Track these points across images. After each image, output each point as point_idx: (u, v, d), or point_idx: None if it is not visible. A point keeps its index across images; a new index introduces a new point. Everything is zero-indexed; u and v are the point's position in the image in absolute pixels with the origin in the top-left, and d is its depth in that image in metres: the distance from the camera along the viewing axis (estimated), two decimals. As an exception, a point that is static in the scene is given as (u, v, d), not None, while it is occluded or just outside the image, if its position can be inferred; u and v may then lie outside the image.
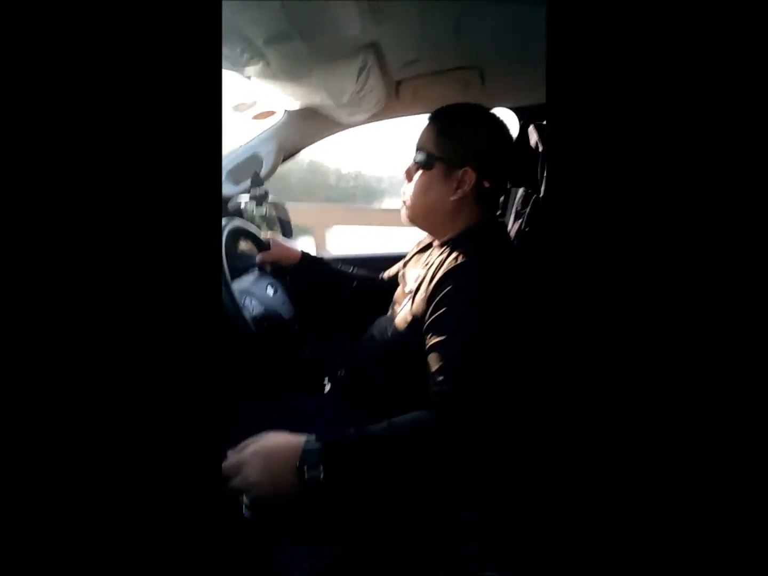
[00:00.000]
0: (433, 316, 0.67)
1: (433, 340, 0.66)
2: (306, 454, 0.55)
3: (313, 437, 0.56)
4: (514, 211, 1.35)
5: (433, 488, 0.69)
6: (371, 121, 1.11)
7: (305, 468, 0.54)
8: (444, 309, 0.66)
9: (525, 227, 1.26)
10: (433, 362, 0.64)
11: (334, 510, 0.67)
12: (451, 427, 0.60)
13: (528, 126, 1.16)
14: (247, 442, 0.57)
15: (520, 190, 1.30)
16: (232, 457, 0.56)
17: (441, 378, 0.62)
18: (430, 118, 0.79)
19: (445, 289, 0.67)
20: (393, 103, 1.03)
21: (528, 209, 1.27)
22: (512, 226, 1.34)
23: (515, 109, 1.19)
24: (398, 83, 0.99)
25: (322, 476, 0.54)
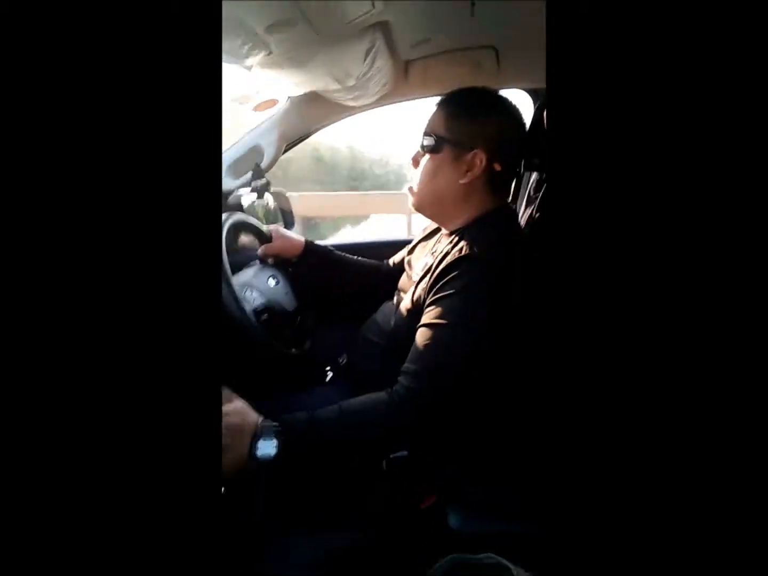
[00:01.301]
0: (433, 299, 0.67)
1: (425, 321, 0.67)
2: (261, 429, 0.57)
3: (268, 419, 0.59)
4: (526, 196, 1.32)
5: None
6: (379, 105, 1.06)
7: (258, 445, 0.56)
8: (444, 294, 0.66)
9: (536, 214, 1.23)
10: (419, 340, 0.66)
11: (288, 488, 0.70)
12: (409, 409, 0.62)
13: (543, 108, 1.11)
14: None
15: (534, 175, 1.26)
16: None
17: (419, 359, 0.64)
18: (439, 103, 0.76)
19: (448, 276, 0.66)
20: (402, 85, 0.98)
21: (540, 195, 1.23)
22: (524, 212, 1.31)
23: (530, 91, 1.14)
24: (407, 63, 0.94)
25: (275, 451, 0.57)
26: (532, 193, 1.25)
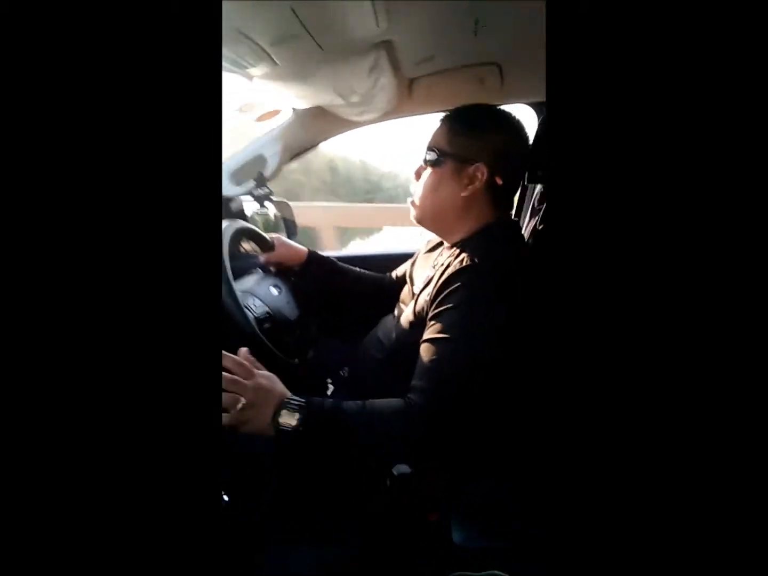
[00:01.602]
0: (435, 312, 0.67)
1: (428, 335, 0.67)
2: (288, 401, 0.61)
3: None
4: (530, 208, 1.32)
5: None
6: (383, 120, 1.08)
7: (282, 413, 0.60)
8: (446, 307, 0.66)
9: (539, 225, 1.23)
10: (424, 355, 0.66)
11: (304, 466, 0.73)
12: (418, 423, 0.62)
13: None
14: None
15: (538, 187, 1.27)
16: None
17: (424, 374, 0.64)
18: (443, 119, 0.77)
19: (450, 288, 0.67)
20: (406, 102, 1.00)
21: (544, 207, 1.23)
22: (528, 224, 1.31)
23: (534, 105, 1.15)
24: (411, 81, 0.96)
25: (295, 423, 0.60)
26: (536, 204, 1.26)
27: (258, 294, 0.83)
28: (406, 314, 0.78)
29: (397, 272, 1.02)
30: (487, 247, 0.70)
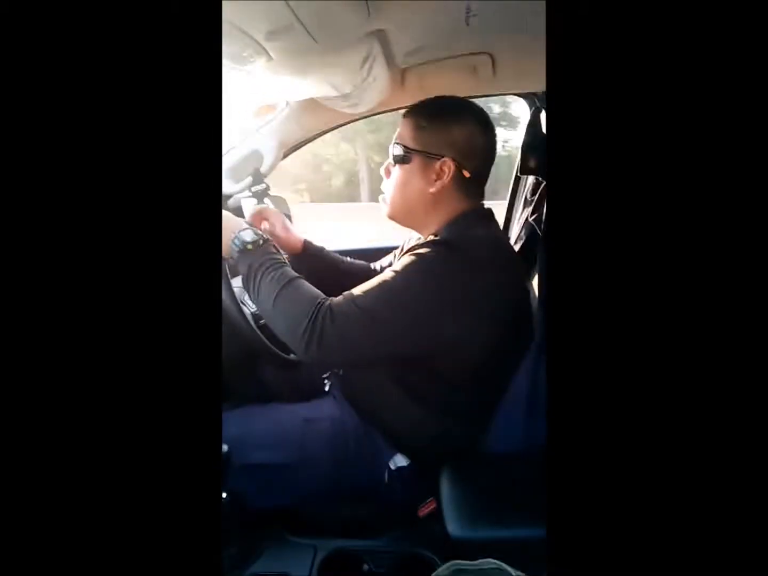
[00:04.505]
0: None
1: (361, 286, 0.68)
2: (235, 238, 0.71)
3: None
4: (523, 199, 1.33)
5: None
6: (376, 112, 1.07)
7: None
8: (393, 266, 0.68)
9: (531, 216, 1.24)
10: (363, 284, 0.68)
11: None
12: (310, 329, 0.65)
13: (539, 112, 1.13)
14: None
15: (530, 178, 1.28)
16: None
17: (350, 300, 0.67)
18: (405, 114, 0.77)
19: (402, 256, 0.68)
20: (398, 93, 0.99)
21: (536, 197, 1.24)
22: (521, 214, 1.32)
23: (526, 96, 1.15)
24: (404, 71, 0.95)
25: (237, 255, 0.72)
26: (528, 196, 1.26)
27: None
28: None
29: (381, 263, 1.02)
30: (455, 233, 0.72)
